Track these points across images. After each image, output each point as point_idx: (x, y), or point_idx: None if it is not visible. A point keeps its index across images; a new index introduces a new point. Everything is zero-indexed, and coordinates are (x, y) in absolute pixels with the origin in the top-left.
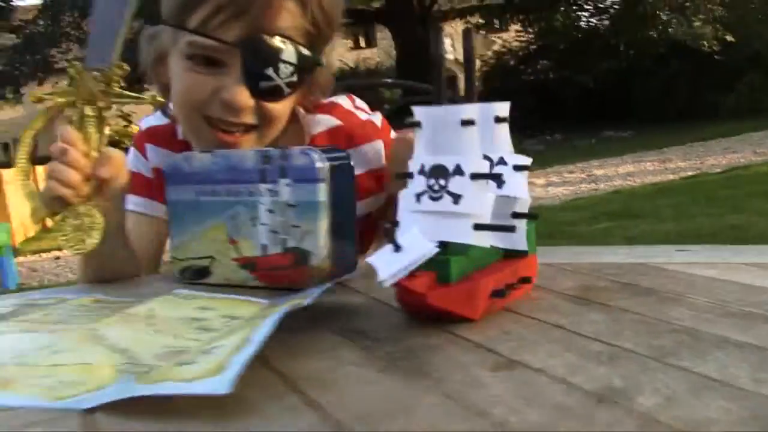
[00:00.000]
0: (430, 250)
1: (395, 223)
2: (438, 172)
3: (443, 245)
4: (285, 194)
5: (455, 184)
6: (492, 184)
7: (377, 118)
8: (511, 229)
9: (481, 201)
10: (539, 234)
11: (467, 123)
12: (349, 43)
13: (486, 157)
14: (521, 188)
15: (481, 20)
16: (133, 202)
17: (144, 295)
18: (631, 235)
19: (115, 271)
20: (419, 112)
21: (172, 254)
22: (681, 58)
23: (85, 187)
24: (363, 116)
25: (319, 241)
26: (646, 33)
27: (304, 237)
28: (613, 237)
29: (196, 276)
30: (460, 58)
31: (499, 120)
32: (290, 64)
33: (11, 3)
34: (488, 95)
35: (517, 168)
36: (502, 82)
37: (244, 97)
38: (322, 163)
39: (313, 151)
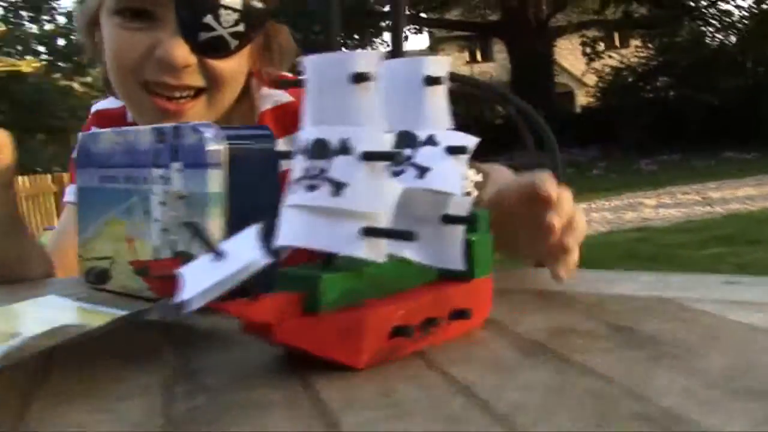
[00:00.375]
0: (256, 260)
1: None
2: (317, 149)
3: (327, 257)
4: (176, 182)
5: (339, 168)
6: (411, 171)
7: None
8: (408, 236)
9: (376, 193)
10: (642, 255)
11: (361, 78)
12: (465, 56)
13: (406, 134)
14: (453, 180)
15: (598, 34)
16: (71, 191)
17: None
18: (743, 263)
19: (10, 272)
20: (306, 62)
21: (79, 252)
22: None
23: None
24: None
25: (205, 247)
26: None
27: (192, 238)
28: (723, 263)
29: (98, 279)
30: (578, 73)
31: (431, 81)
32: (233, 9)
33: None
34: (606, 112)
35: (452, 151)
36: (620, 100)
37: (181, 51)
38: (215, 144)
39: (208, 127)
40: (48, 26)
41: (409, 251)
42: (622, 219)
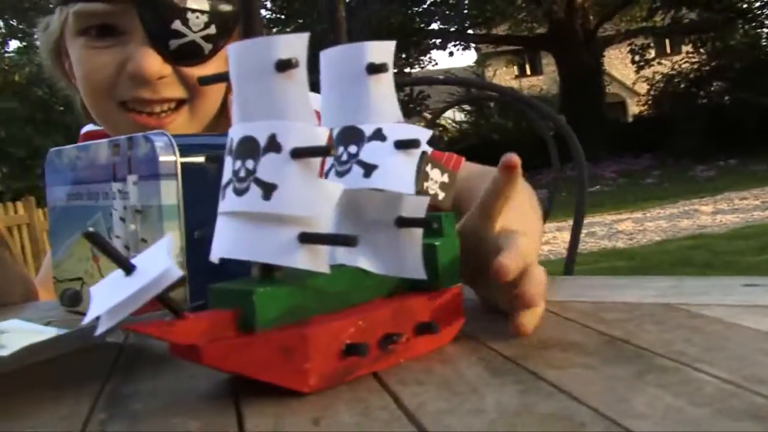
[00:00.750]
0: (167, 272)
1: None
2: (244, 149)
3: (264, 269)
4: (133, 196)
5: (267, 168)
6: (357, 169)
7: None
8: (350, 241)
9: (311, 194)
10: (697, 262)
11: (285, 66)
12: (514, 71)
13: (350, 129)
14: (404, 177)
15: (647, 41)
16: None
17: None
18: None
19: None
20: (229, 52)
21: (53, 273)
22: None
23: None
24: None
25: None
26: None
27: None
28: None
29: (71, 302)
30: (628, 82)
31: (374, 69)
32: (201, 11)
33: None
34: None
35: (402, 145)
36: (673, 107)
37: (153, 62)
38: (167, 154)
39: (161, 136)
40: None
41: (362, 260)
42: (677, 227)
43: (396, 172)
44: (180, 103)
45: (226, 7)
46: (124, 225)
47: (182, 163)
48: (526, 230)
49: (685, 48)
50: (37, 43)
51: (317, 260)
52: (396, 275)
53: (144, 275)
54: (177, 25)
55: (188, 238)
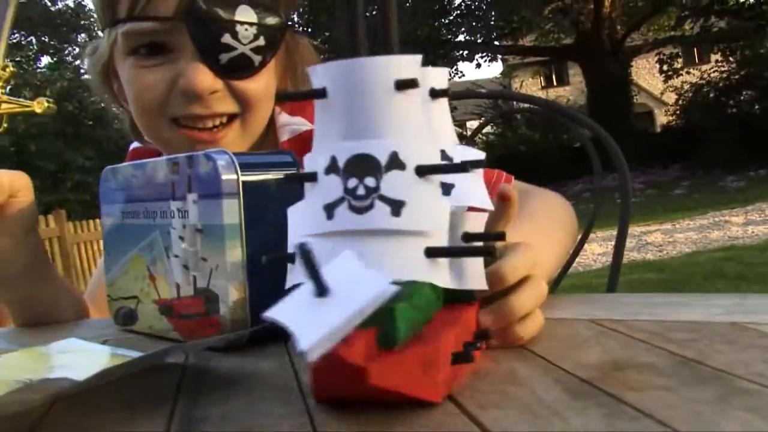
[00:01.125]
0: (384, 290)
1: (287, 258)
2: (361, 166)
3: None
4: (193, 215)
5: (393, 185)
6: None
7: None
8: (488, 251)
9: (434, 210)
10: (729, 275)
11: (406, 85)
12: (540, 81)
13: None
14: (480, 195)
15: (675, 51)
16: None
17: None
18: None
19: (40, 314)
20: (322, 71)
21: (107, 292)
22: None
23: None
24: None
25: (228, 282)
26: None
27: (213, 274)
28: None
29: (126, 320)
30: (656, 92)
31: (436, 93)
32: (250, 23)
33: None
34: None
35: (471, 165)
36: (702, 117)
37: (204, 77)
38: (229, 173)
39: (222, 154)
40: None
41: (438, 275)
42: (707, 238)
43: (474, 191)
44: (231, 117)
45: (273, 19)
46: (183, 244)
47: (243, 182)
48: (536, 242)
49: (714, 57)
50: (68, 58)
51: (441, 274)
52: (461, 287)
53: (348, 295)
54: (227, 38)
55: (249, 258)
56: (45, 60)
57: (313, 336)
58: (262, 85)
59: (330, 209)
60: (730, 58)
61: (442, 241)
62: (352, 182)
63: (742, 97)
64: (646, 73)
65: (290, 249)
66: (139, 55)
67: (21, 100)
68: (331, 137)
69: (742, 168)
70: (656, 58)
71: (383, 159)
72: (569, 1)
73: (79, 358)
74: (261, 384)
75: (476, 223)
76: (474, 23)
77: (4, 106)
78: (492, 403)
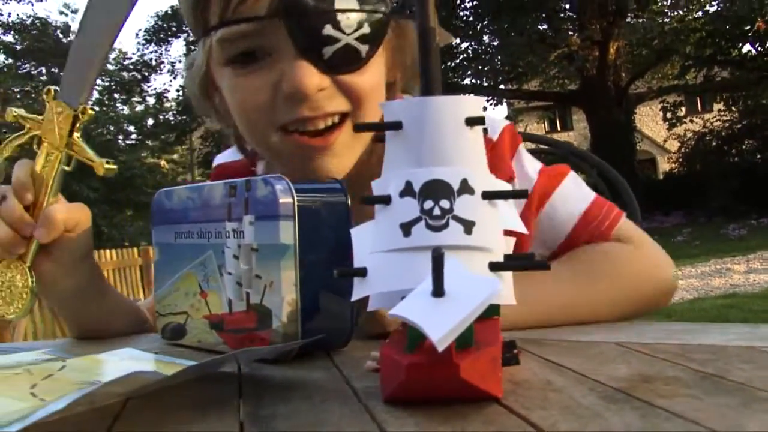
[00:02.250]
0: (495, 291)
1: (357, 272)
2: (435, 190)
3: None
4: (249, 235)
5: (464, 207)
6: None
7: (502, 124)
8: (544, 265)
9: (495, 230)
10: (734, 320)
11: (474, 121)
12: (544, 126)
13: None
14: (514, 220)
15: (678, 99)
16: None
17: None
18: None
19: (94, 329)
20: (398, 107)
21: (156, 308)
22: None
23: (20, 246)
24: (489, 114)
25: (282, 298)
26: None
27: (266, 291)
28: None
29: (174, 335)
30: (659, 139)
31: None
32: (352, 10)
33: None
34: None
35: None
36: (704, 165)
37: (309, 75)
38: (286, 196)
39: (280, 180)
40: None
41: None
42: (709, 285)
43: (509, 216)
44: (343, 116)
45: (377, 5)
46: (237, 262)
47: (298, 205)
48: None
49: (716, 106)
50: None
51: (503, 284)
52: (500, 302)
53: (463, 297)
54: (328, 29)
55: (301, 276)
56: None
57: (442, 329)
58: (371, 78)
59: (407, 227)
60: (733, 108)
61: (500, 257)
62: (428, 204)
63: (744, 147)
64: (649, 120)
65: (357, 264)
66: (237, 64)
67: (88, 151)
68: (404, 164)
69: (743, 216)
70: (660, 106)
71: (455, 184)
72: (575, 47)
73: (138, 365)
74: (317, 388)
75: (509, 245)
76: (480, 67)
77: (75, 148)
78: (536, 405)
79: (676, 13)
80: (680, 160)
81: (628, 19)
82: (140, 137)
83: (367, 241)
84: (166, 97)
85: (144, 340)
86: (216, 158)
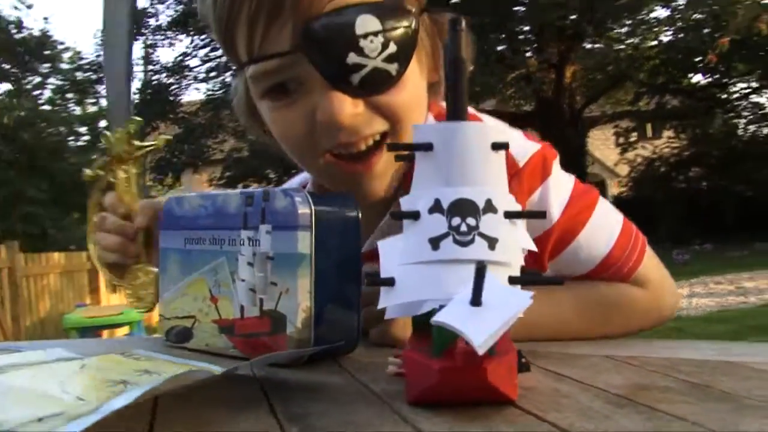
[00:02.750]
0: (527, 302)
1: (385, 281)
2: (462, 209)
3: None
4: (264, 243)
5: (488, 225)
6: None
7: (533, 150)
8: (558, 281)
9: (515, 247)
10: None
11: (499, 146)
12: None
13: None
14: (526, 239)
15: (631, 125)
16: None
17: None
18: None
19: None
20: (429, 130)
21: (160, 311)
22: None
23: (130, 247)
24: (521, 141)
25: (297, 304)
26: None
27: (282, 297)
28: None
29: (179, 338)
30: (610, 163)
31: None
32: (375, 33)
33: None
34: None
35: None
36: (653, 190)
37: (341, 105)
38: (304, 208)
39: (297, 192)
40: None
41: None
42: None
43: (521, 235)
44: (383, 135)
45: (400, 20)
46: (252, 269)
47: (315, 217)
48: None
49: (666, 133)
50: (28, 87)
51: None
52: None
53: (499, 306)
54: (353, 58)
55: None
56: (3, 87)
57: (482, 335)
58: (407, 94)
59: (435, 242)
60: (681, 136)
61: (518, 272)
62: (456, 220)
63: (691, 173)
64: (600, 143)
65: (384, 275)
66: (272, 97)
67: (147, 143)
68: (433, 183)
69: (688, 242)
70: (613, 131)
71: (481, 203)
72: (533, 69)
73: (156, 365)
74: (338, 390)
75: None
76: None
77: (137, 151)
78: (549, 408)
79: (631, 41)
80: (630, 184)
81: (585, 45)
82: (92, 139)
83: (396, 253)
84: None
85: (145, 343)
86: (292, 180)
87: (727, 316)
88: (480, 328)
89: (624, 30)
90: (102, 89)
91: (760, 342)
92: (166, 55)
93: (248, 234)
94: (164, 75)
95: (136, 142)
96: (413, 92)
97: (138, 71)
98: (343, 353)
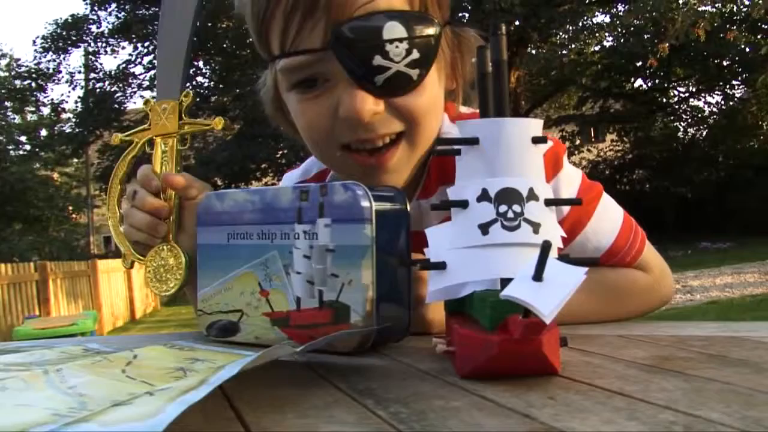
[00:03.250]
0: (582, 277)
1: (437, 265)
2: (508, 197)
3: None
4: (323, 236)
5: (532, 211)
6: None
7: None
8: (594, 261)
9: (555, 231)
10: None
11: (538, 140)
12: None
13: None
14: (557, 230)
15: (576, 128)
16: None
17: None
18: None
19: None
20: (474, 126)
21: (199, 306)
22: None
23: (161, 227)
24: None
25: (362, 294)
26: (746, 143)
27: (344, 289)
28: None
29: (222, 333)
30: None
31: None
32: (399, 40)
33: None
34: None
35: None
36: None
37: (363, 103)
38: (365, 201)
39: (358, 186)
40: (31, 117)
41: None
42: None
43: (553, 229)
44: (399, 135)
45: (425, 29)
46: (308, 262)
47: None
48: None
49: (609, 136)
50: None
51: None
52: None
53: (559, 282)
54: (378, 60)
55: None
56: None
57: (549, 306)
58: (425, 98)
59: (485, 228)
60: (624, 139)
61: (556, 253)
62: (503, 208)
63: (634, 176)
64: None
65: (434, 259)
66: (299, 89)
67: (200, 120)
68: (479, 174)
69: None
70: (558, 135)
71: (524, 192)
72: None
73: (204, 354)
74: (389, 370)
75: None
76: None
77: (186, 127)
78: (593, 376)
79: (574, 46)
80: None
81: (530, 50)
82: (33, 148)
83: (444, 239)
84: (64, 109)
85: (189, 338)
86: (287, 175)
87: (672, 314)
88: (546, 301)
89: (567, 36)
90: (43, 97)
91: (756, 321)
92: (109, 62)
93: (304, 228)
94: (108, 83)
95: (186, 117)
96: (431, 97)
97: (79, 79)
98: (396, 340)
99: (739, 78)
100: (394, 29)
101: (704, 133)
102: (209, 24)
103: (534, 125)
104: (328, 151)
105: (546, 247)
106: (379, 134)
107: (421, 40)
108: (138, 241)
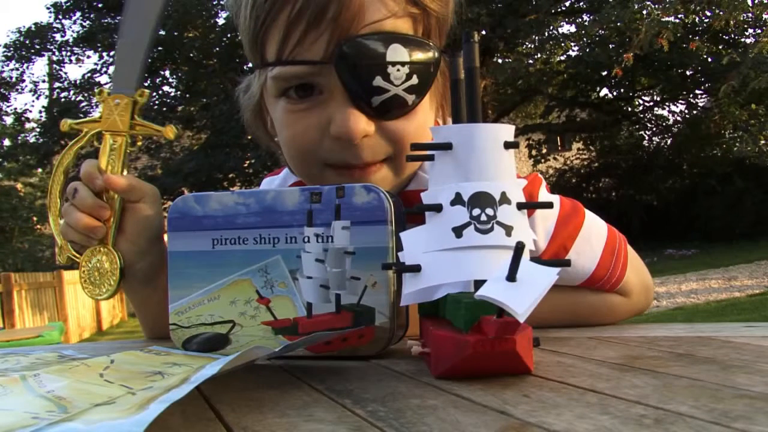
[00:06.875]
0: (553, 277)
1: (412, 268)
2: (481, 200)
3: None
4: (340, 239)
5: (504, 214)
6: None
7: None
8: (566, 263)
9: (527, 234)
10: None
11: (510, 145)
12: None
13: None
14: (529, 233)
15: (543, 136)
16: None
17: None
18: None
19: (159, 322)
20: (448, 131)
21: (172, 320)
22: (746, 177)
23: (99, 230)
24: None
25: (388, 296)
26: (710, 151)
27: (368, 291)
28: None
29: (206, 346)
30: (522, 174)
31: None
32: (402, 63)
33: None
34: None
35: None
36: None
37: (356, 122)
38: (387, 203)
39: (377, 188)
40: None
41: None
42: None
43: (525, 232)
44: (385, 159)
45: (426, 55)
46: (322, 266)
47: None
48: None
49: (576, 145)
50: None
51: None
52: None
53: (532, 282)
54: (378, 81)
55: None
56: None
57: (522, 306)
58: (416, 124)
59: (458, 230)
60: (591, 147)
61: (528, 255)
62: (476, 211)
63: (600, 184)
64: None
65: (409, 262)
66: (289, 98)
67: (153, 124)
68: (452, 179)
69: None
70: (525, 144)
71: (497, 195)
72: None
73: (181, 359)
74: (366, 371)
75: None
76: None
77: (138, 128)
78: (565, 375)
79: (540, 55)
80: None
81: (497, 59)
82: None
83: (419, 242)
84: (28, 118)
85: (161, 344)
86: (267, 179)
87: (639, 320)
88: (520, 300)
89: (533, 45)
90: (5, 106)
91: (721, 322)
92: (74, 71)
93: (316, 231)
94: (72, 92)
95: (138, 118)
96: (421, 123)
97: (44, 88)
98: (398, 339)
99: (702, 87)
100: (397, 52)
101: (669, 142)
102: (176, 33)
103: (506, 130)
104: (308, 167)
105: (519, 248)
106: (365, 162)
107: (421, 66)
108: (74, 240)
